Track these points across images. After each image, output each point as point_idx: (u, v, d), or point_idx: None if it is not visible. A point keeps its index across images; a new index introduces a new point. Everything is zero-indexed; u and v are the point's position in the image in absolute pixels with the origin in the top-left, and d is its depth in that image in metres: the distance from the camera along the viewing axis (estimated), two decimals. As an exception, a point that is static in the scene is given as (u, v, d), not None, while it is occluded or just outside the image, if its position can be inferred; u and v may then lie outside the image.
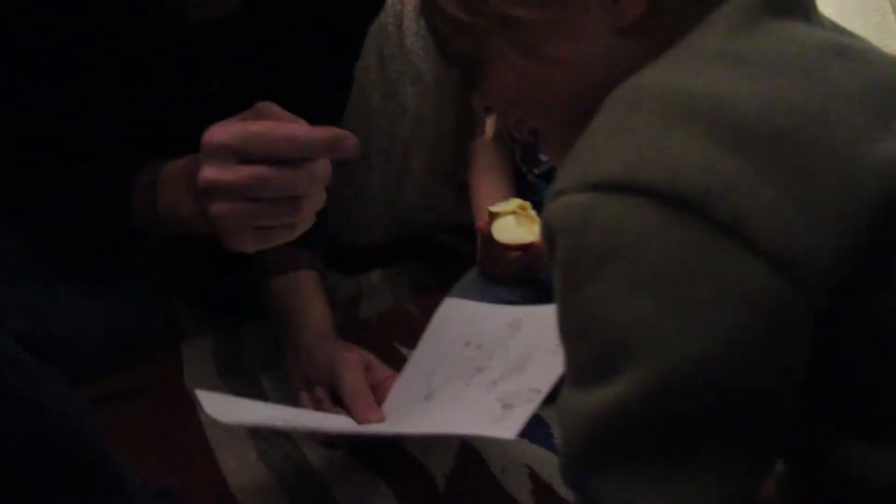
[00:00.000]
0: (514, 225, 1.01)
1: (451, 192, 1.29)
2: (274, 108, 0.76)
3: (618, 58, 0.51)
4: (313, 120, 0.83)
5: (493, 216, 1.02)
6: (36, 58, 0.90)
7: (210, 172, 0.73)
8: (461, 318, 0.91)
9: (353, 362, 0.89)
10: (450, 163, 1.28)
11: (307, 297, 1.01)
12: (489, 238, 1.02)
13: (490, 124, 1.13)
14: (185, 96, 0.96)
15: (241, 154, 0.72)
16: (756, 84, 0.44)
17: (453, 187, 1.28)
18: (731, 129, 0.42)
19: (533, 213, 1.02)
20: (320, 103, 1.13)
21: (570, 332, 0.45)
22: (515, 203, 1.03)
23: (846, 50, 0.48)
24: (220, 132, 0.74)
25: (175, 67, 0.95)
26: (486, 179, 1.18)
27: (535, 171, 1.17)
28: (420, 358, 0.88)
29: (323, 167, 0.75)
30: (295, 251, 1.03)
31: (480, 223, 1.05)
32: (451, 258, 1.21)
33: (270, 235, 0.76)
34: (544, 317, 0.80)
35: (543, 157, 1.16)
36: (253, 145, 0.72)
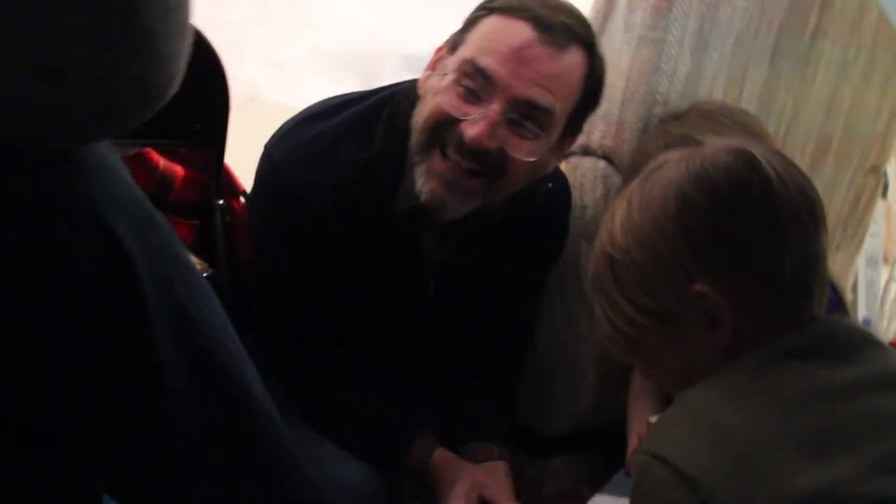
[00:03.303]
0: None
1: (620, 398, 1.45)
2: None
3: (706, 360, 0.79)
4: (503, 336, 1.15)
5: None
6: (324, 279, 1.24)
7: None
8: None
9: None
10: (618, 376, 1.46)
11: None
12: None
13: None
14: (405, 296, 1.25)
15: None
16: (752, 416, 0.72)
17: (621, 393, 1.45)
18: (730, 445, 0.71)
19: None
20: (510, 322, 1.43)
21: None
22: None
23: (831, 393, 0.73)
24: None
25: (404, 274, 1.25)
26: (643, 398, 1.37)
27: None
28: None
29: None
30: (489, 446, 1.30)
31: (642, 433, 1.21)
32: (622, 448, 1.33)
33: None
34: None
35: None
36: None
